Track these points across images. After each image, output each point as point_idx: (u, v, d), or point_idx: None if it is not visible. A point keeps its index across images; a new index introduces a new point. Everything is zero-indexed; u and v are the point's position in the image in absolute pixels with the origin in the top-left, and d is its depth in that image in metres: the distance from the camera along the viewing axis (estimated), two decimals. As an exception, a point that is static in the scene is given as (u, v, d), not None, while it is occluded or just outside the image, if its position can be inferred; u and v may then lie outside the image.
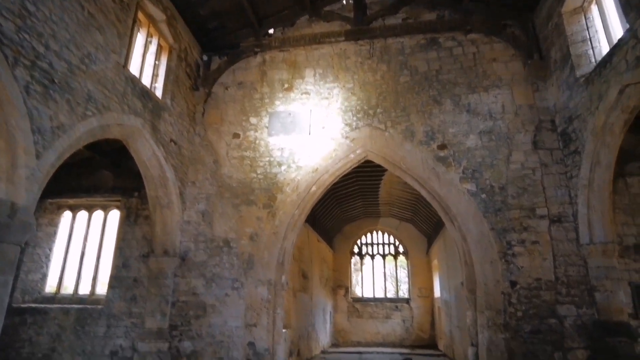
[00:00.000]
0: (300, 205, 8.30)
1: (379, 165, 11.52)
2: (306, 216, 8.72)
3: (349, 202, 15.45)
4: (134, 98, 6.95)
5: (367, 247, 18.99)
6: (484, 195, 7.68)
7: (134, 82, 7.01)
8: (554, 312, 6.87)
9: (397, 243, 18.78)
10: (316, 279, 14.09)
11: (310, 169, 8.34)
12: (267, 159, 8.56)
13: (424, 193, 8.20)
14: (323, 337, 14.87)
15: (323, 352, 14.22)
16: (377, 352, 14.40)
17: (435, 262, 16.46)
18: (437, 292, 16.47)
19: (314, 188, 8.36)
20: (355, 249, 19.04)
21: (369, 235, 19.11)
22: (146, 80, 7.69)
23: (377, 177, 12.67)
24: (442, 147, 8.06)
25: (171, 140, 8.21)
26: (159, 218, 8.17)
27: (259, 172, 8.51)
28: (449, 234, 11.98)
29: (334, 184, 13.61)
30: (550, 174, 7.58)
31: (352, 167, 8.61)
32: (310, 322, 12.81)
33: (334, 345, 16.73)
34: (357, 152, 8.35)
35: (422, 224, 16.94)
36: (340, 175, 8.63)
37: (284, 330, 9.20)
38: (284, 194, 8.28)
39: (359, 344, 17.12)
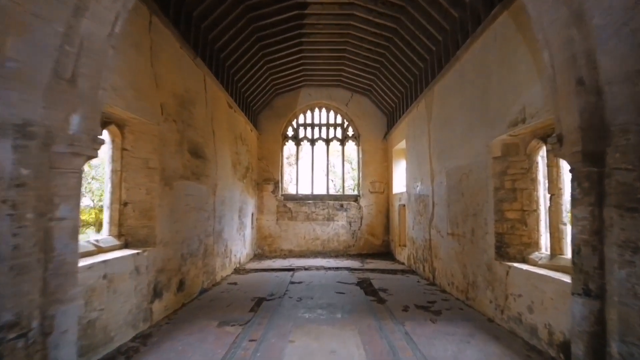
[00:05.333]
0: None
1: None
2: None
3: (282, 57, 9.90)
4: None
5: (305, 129, 13.97)
6: None
7: None
8: None
9: (345, 124, 13.96)
10: (225, 163, 8.98)
11: None
12: None
13: None
14: (239, 248, 10.29)
15: (237, 270, 9.70)
16: (317, 267, 10.22)
17: (399, 147, 12.00)
18: (398, 187, 12.30)
19: None
20: (290, 132, 13.98)
21: (308, 113, 13.98)
22: None
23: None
24: None
25: None
26: None
27: None
28: (443, 88, 6.37)
29: (263, 27, 8.05)
30: None
31: None
32: (213, 229, 7.97)
33: (256, 257, 12.38)
34: None
35: (385, 95, 12.05)
36: None
37: (111, 256, 4.21)
38: None
39: (290, 253, 12.96)
